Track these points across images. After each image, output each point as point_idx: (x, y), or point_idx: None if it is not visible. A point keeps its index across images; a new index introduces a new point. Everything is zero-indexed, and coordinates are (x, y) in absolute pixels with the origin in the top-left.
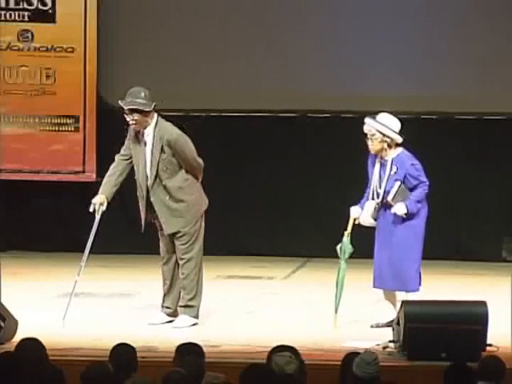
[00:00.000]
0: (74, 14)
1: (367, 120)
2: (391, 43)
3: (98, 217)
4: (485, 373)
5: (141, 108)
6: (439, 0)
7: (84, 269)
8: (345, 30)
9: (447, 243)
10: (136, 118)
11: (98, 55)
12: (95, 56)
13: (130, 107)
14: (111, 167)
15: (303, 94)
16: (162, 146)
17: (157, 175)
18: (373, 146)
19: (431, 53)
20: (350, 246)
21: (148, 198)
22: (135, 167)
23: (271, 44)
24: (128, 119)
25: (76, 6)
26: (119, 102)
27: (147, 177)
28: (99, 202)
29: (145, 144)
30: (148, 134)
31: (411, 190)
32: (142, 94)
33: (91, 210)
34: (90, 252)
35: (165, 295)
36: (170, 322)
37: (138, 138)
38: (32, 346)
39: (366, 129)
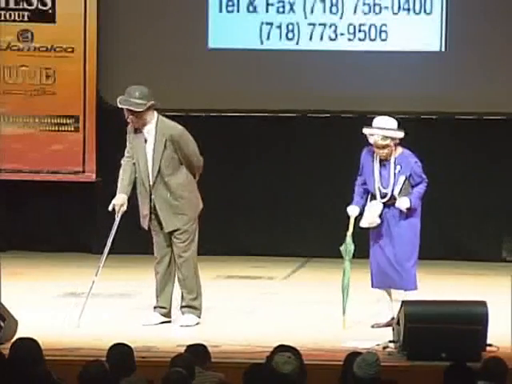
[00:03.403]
0: (74, 14)
1: (375, 131)
2: (391, 43)
3: (118, 218)
4: (487, 373)
5: (131, 108)
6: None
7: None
8: (345, 30)
9: (447, 243)
10: (131, 116)
11: (98, 55)
12: (95, 56)
13: (122, 106)
14: (121, 170)
15: (303, 94)
16: (166, 142)
17: (159, 172)
18: (386, 153)
19: (431, 52)
20: (352, 246)
21: (150, 195)
22: (136, 165)
23: (271, 44)
24: (128, 118)
25: (76, 6)
26: (117, 99)
27: (149, 174)
28: (120, 203)
29: (145, 141)
30: (149, 131)
31: (413, 187)
32: (137, 94)
33: (110, 209)
34: (108, 253)
35: (158, 296)
36: (164, 322)
37: (138, 135)
38: (27, 345)
39: (375, 139)
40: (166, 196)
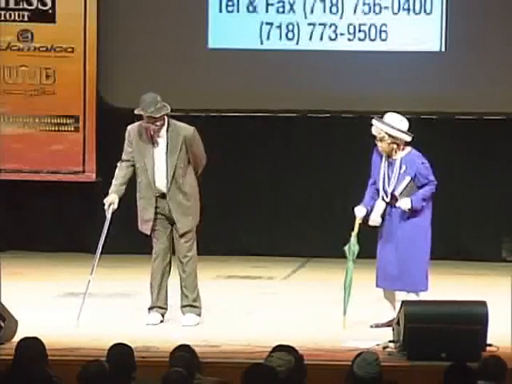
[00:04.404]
0: (74, 13)
1: (375, 122)
2: (391, 43)
3: (108, 216)
4: (485, 372)
5: (167, 112)
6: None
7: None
8: (345, 30)
9: (447, 243)
10: (161, 123)
11: (98, 55)
12: (95, 56)
13: (159, 115)
14: (116, 171)
15: (303, 94)
16: (181, 144)
17: (174, 175)
18: (383, 147)
19: (431, 52)
20: (357, 247)
21: (157, 198)
22: (141, 170)
23: (271, 44)
24: (151, 127)
25: (76, 6)
26: (139, 111)
27: (155, 177)
28: (109, 202)
29: (156, 145)
30: (161, 135)
31: (419, 188)
32: (158, 98)
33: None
34: (101, 250)
35: (156, 295)
36: (163, 322)
37: (145, 140)
38: (32, 345)
39: (374, 131)
40: (180, 198)
